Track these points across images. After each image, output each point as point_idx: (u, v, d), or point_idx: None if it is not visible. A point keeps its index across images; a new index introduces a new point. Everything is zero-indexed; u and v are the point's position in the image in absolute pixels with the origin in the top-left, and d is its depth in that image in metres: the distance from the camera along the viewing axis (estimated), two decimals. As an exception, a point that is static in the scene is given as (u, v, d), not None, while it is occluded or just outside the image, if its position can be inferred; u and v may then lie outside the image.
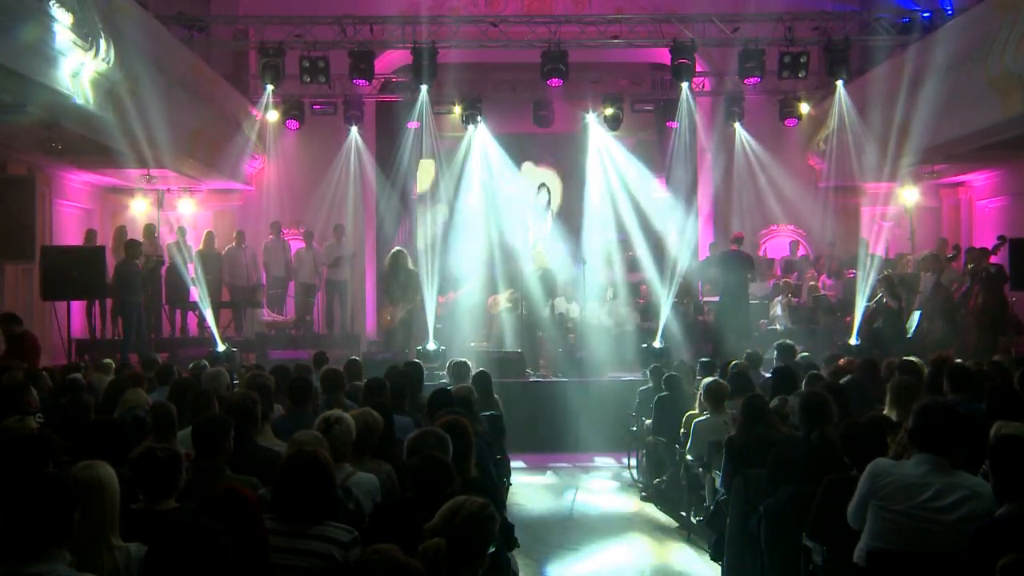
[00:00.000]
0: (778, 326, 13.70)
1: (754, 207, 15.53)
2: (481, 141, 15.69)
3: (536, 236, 15.80)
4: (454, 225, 15.66)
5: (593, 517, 8.40)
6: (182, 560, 2.64)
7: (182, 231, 14.21)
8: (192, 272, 13.21)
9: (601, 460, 10.95)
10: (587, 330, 13.35)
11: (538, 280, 13.23)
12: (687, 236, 14.92)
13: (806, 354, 10.04)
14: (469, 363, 9.02)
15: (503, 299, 14.21)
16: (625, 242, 15.68)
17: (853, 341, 12.19)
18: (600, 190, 15.77)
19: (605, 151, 15.92)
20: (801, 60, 13.51)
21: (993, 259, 12.03)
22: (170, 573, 2.65)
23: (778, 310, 13.96)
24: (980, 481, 3.95)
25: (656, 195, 16.09)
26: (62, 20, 8.44)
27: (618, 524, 8.14)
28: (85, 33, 8.93)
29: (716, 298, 13.24)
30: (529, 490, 9.38)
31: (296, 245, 15.28)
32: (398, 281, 12.87)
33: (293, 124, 15.08)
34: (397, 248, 13.41)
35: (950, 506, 3.84)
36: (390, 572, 2.72)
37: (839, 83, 13.85)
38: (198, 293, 12.98)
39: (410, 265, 12.92)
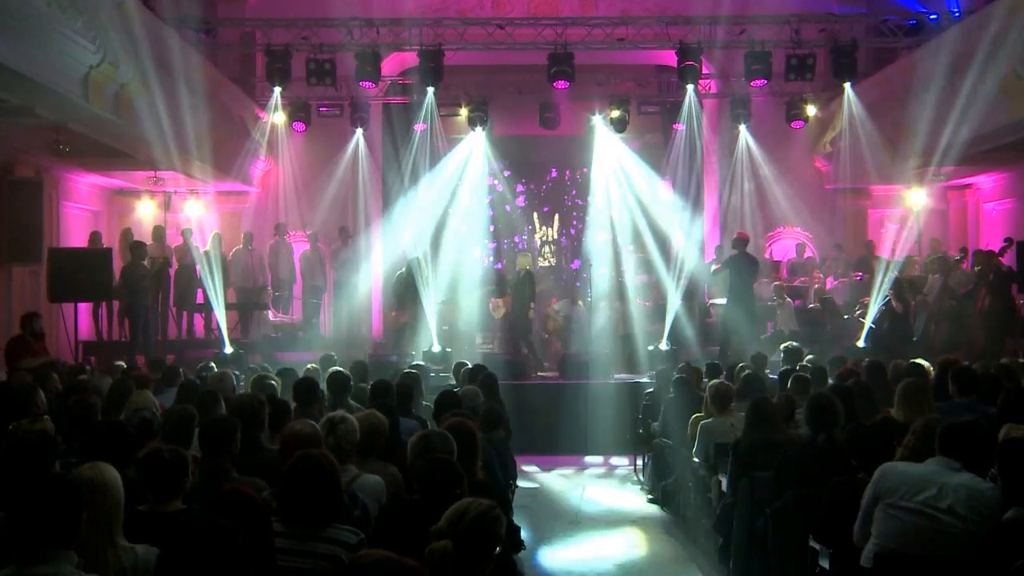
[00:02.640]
0: (784, 329, 13.67)
1: (760, 209, 15.51)
2: (474, 146, 15.70)
3: (543, 238, 15.86)
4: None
5: (599, 519, 8.40)
6: (201, 559, 2.65)
7: (188, 233, 14.25)
8: (199, 274, 13.24)
9: (607, 462, 10.94)
10: (593, 331, 13.36)
11: (520, 282, 13.26)
12: (693, 238, 14.92)
13: (812, 356, 10.02)
14: (473, 365, 9.05)
15: (503, 302, 14.25)
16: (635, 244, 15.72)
17: (860, 344, 12.16)
18: (605, 192, 15.81)
19: (612, 154, 15.93)
20: (808, 62, 13.47)
21: (1001, 261, 11.99)
22: (188, 571, 2.65)
23: (780, 311, 13.93)
24: (985, 483, 3.94)
25: (663, 197, 16.09)
26: (70, 24, 8.47)
27: (624, 526, 8.13)
28: (93, 36, 8.96)
29: (722, 300, 13.20)
30: (535, 492, 9.38)
31: (301, 247, 15.30)
32: (406, 289, 13.03)
33: (300, 126, 15.11)
34: (414, 258, 13.51)
35: (952, 506, 3.83)
36: (383, 570, 2.74)
37: (847, 85, 13.81)
38: (206, 295, 12.99)
39: (420, 278, 13.06)
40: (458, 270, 14.81)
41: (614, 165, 15.89)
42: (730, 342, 12.39)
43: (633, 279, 15.08)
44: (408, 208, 15.31)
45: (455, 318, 14.11)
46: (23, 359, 9.10)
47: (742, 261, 12.48)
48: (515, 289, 13.43)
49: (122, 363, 9.19)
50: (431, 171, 15.49)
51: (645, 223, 15.43)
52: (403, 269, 13.47)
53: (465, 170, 15.76)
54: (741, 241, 12.68)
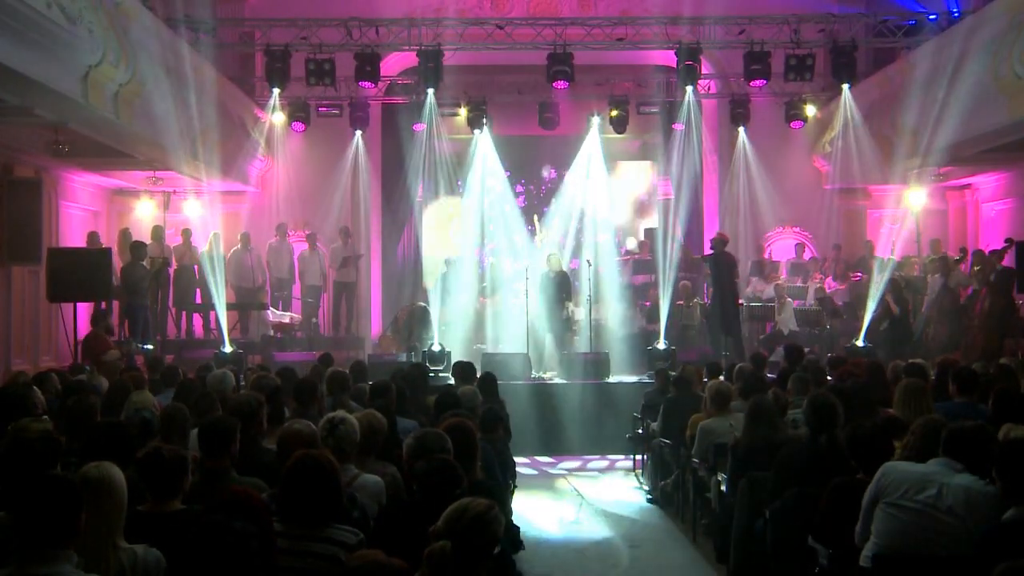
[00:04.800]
0: (782, 328, 13.69)
1: (759, 209, 15.52)
2: (485, 146, 15.76)
3: (543, 238, 15.86)
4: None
5: (598, 520, 8.39)
6: (214, 561, 2.65)
7: (187, 233, 14.25)
8: (199, 274, 13.23)
9: (606, 462, 10.94)
10: (592, 332, 13.38)
11: (552, 283, 13.24)
12: (692, 238, 14.96)
13: (812, 356, 10.03)
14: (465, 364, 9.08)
15: (506, 300, 14.26)
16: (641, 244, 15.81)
17: (859, 343, 12.16)
18: (581, 193, 15.93)
19: (596, 157, 16.03)
20: (807, 62, 13.48)
21: (1001, 262, 11.98)
22: (202, 573, 2.66)
23: (780, 311, 13.95)
24: (984, 483, 3.94)
25: (659, 198, 16.17)
26: (69, 24, 8.47)
27: (623, 527, 8.13)
28: (92, 36, 8.96)
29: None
30: (534, 492, 9.37)
31: (300, 247, 15.31)
32: (410, 335, 13.06)
33: (299, 126, 15.13)
34: (423, 306, 13.55)
35: (952, 505, 3.83)
36: (371, 572, 2.76)
37: (845, 86, 13.82)
38: (212, 295, 12.98)
39: (430, 327, 13.10)
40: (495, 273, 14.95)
41: (598, 167, 16.00)
42: (720, 341, 12.45)
43: (631, 279, 15.10)
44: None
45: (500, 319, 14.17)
46: (104, 352, 9.71)
47: (721, 260, 12.54)
48: (552, 289, 13.49)
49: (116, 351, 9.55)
50: (467, 186, 15.67)
51: (638, 224, 15.55)
52: (410, 304, 13.56)
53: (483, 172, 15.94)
54: (720, 241, 12.76)
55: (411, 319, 13.68)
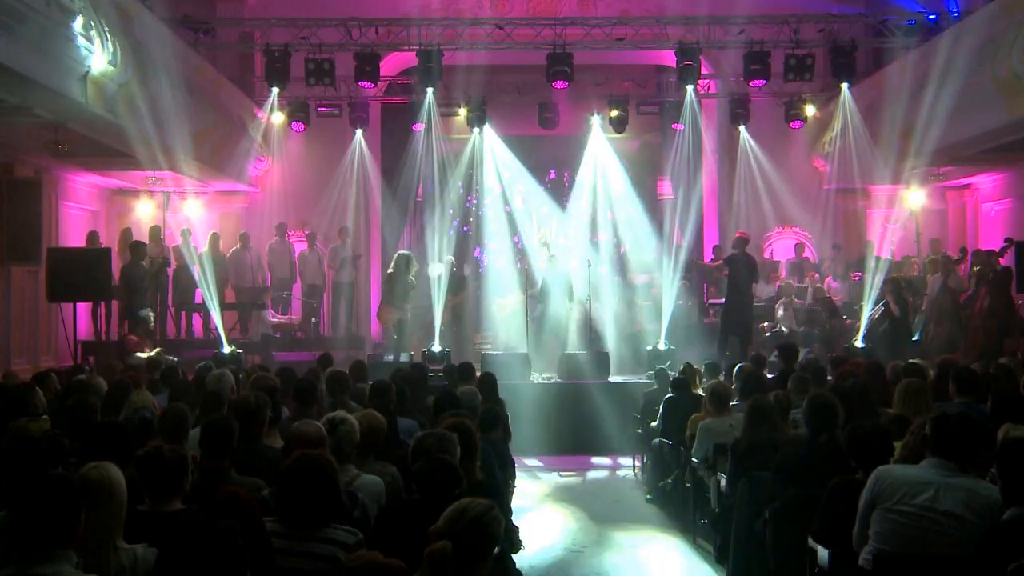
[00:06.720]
0: (782, 328, 13.69)
1: (759, 209, 15.51)
2: (490, 144, 15.78)
3: (547, 238, 15.89)
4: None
5: (598, 519, 8.39)
6: (200, 560, 2.65)
7: (187, 233, 14.25)
8: (198, 274, 13.23)
9: (606, 462, 10.94)
10: (592, 332, 13.38)
11: (555, 282, 13.26)
12: (692, 238, 14.95)
13: (812, 356, 10.02)
14: (460, 364, 9.09)
15: (509, 301, 14.25)
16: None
17: (859, 344, 12.16)
18: (591, 193, 15.92)
19: (601, 156, 16.02)
20: (807, 62, 13.48)
21: (1001, 261, 11.99)
22: (189, 572, 2.66)
23: (781, 311, 13.94)
24: (983, 483, 3.94)
25: (661, 197, 16.16)
26: (69, 24, 8.47)
27: (623, 527, 8.13)
28: (92, 35, 8.96)
29: (721, 300, 13.23)
30: (533, 492, 9.37)
31: (300, 247, 15.31)
32: (400, 286, 12.90)
33: (298, 126, 15.13)
34: (405, 252, 13.41)
35: (951, 507, 3.83)
36: (370, 573, 2.76)
37: (844, 86, 13.82)
38: (204, 295, 12.98)
39: (412, 274, 12.93)
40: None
41: (604, 166, 15.98)
42: (728, 341, 12.41)
43: (632, 279, 15.10)
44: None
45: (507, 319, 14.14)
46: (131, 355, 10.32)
47: (742, 261, 12.49)
48: (552, 289, 13.48)
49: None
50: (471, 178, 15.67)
51: (640, 223, 15.52)
52: (391, 268, 13.41)
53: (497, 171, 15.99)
54: (741, 241, 12.67)
55: (396, 271, 13.37)
